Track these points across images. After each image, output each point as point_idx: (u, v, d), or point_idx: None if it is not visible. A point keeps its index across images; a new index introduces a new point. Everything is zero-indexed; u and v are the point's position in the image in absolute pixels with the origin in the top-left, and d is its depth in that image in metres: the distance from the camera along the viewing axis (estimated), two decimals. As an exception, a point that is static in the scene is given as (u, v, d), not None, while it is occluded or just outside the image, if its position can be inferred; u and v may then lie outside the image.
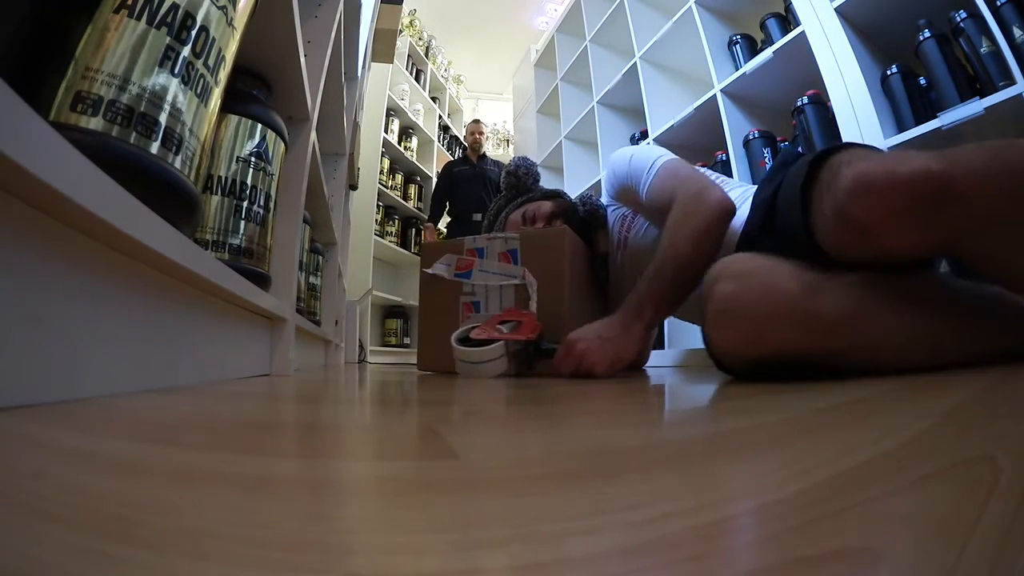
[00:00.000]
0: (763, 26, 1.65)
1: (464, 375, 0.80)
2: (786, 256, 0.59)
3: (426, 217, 3.17)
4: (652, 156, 0.85)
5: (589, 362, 0.69)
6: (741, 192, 0.83)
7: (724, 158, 1.69)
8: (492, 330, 0.81)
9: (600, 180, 2.35)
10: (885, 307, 0.49)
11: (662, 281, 0.70)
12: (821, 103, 1.42)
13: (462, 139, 3.80)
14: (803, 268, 0.53)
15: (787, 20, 1.58)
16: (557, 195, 1.07)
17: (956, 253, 0.49)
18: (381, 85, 3.10)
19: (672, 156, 0.85)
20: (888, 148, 1.15)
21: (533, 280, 0.90)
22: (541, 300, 0.89)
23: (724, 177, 0.93)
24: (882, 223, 0.46)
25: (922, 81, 1.22)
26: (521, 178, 1.06)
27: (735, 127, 1.65)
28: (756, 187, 0.80)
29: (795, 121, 1.49)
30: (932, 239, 0.46)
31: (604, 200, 1.04)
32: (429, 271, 1.01)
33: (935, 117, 1.12)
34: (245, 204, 0.63)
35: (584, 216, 1.01)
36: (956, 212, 0.43)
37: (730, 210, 0.74)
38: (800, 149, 1.48)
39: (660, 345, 1.63)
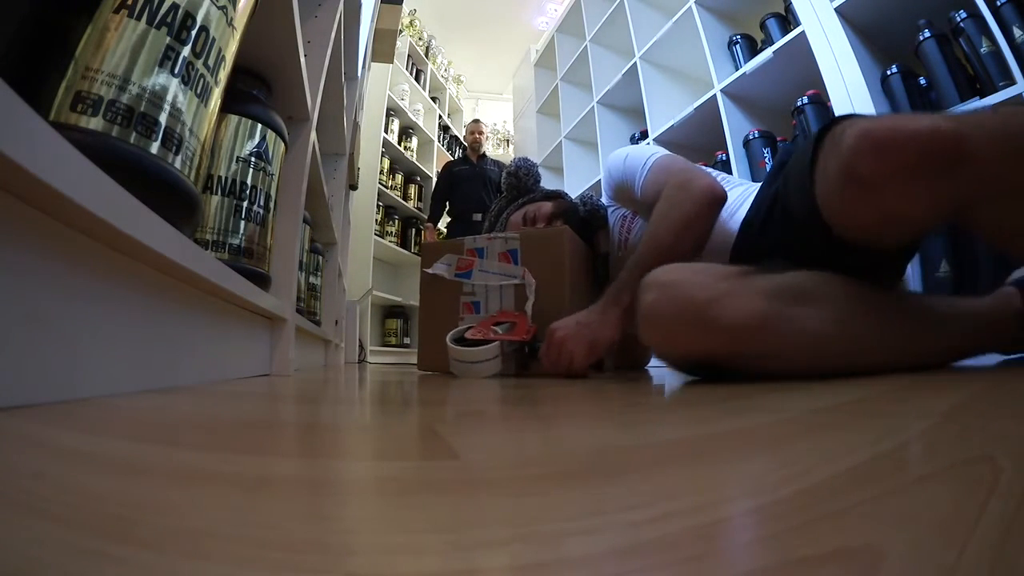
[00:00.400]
0: (763, 26, 1.65)
1: (459, 375, 0.80)
2: (788, 247, 0.60)
3: (426, 217, 3.17)
4: (646, 154, 0.85)
5: (568, 349, 0.70)
6: (743, 191, 0.83)
7: (724, 158, 1.69)
8: (487, 331, 0.81)
9: (600, 180, 2.36)
10: (792, 314, 0.50)
11: (641, 268, 0.68)
12: (821, 103, 1.42)
13: (462, 139, 3.80)
14: (723, 276, 0.54)
15: (787, 20, 1.58)
16: (558, 195, 1.06)
17: (964, 222, 0.48)
18: (381, 85, 3.10)
19: (666, 152, 0.85)
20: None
21: (532, 280, 0.90)
22: (541, 300, 0.89)
23: (724, 174, 0.93)
24: (888, 178, 0.45)
25: (922, 81, 1.23)
26: (522, 179, 1.06)
27: (735, 127, 1.65)
28: (759, 185, 0.80)
29: (795, 121, 1.49)
30: (939, 201, 0.45)
31: (604, 201, 1.04)
32: (429, 271, 1.01)
33: (935, 117, 1.12)
34: (245, 204, 0.63)
35: (585, 216, 1.01)
36: (965, 174, 0.42)
37: (719, 198, 0.73)
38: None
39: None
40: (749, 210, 0.76)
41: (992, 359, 0.60)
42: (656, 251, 0.70)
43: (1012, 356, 0.58)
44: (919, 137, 0.43)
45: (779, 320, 0.50)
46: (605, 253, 1.02)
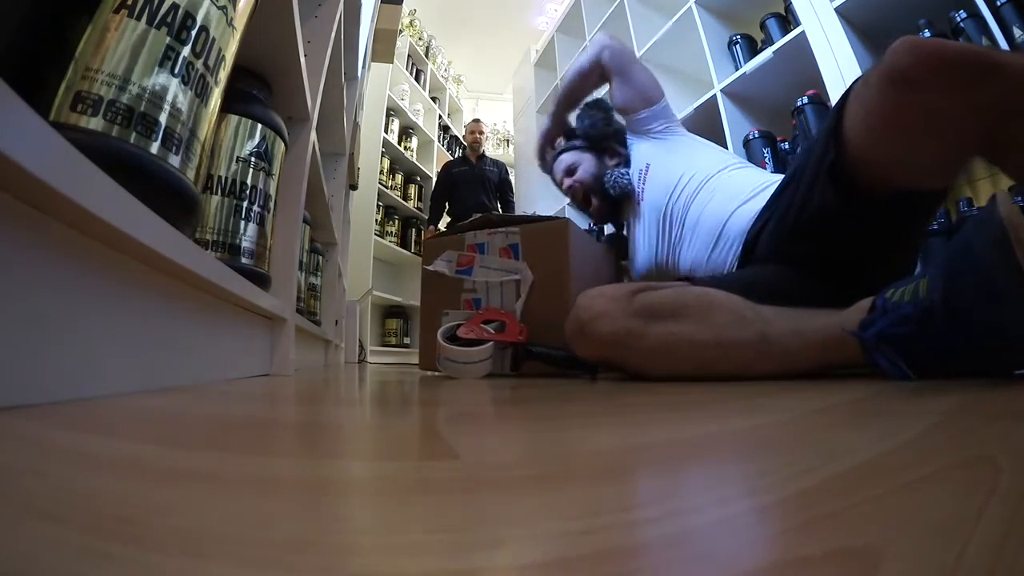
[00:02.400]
0: (763, 26, 1.65)
1: (451, 374, 0.80)
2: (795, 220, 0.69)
3: (426, 217, 3.17)
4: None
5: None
6: (760, 182, 0.87)
7: (724, 158, 1.69)
8: (479, 329, 0.81)
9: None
10: (646, 331, 0.62)
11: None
12: (821, 103, 1.42)
13: (462, 139, 3.80)
14: (612, 299, 0.66)
15: (787, 20, 1.58)
16: (603, 147, 1.15)
17: (992, 153, 0.52)
18: (381, 85, 3.10)
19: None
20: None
21: (529, 276, 0.90)
22: (545, 294, 0.89)
23: (746, 162, 1.00)
24: (930, 74, 0.48)
25: (922, 81, 1.22)
26: (587, 129, 1.16)
27: (735, 127, 1.65)
28: (776, 181, 0.82)
29: (795, 121, 1.49)
30: (974, 109, 0.48)
31: (629, 136, 1.12)
32: (430, 268, 1.01)
33: (935, 117, 1.12)
34: (245, 204, 0.63)
35: (616, 197, 1.08)
36: (996, 84, 0.47)
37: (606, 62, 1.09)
38: (800, 150, 1.48)
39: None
40: (757, 218, 0.80)
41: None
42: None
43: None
44: (956, 46, 0.49)
45: (631, 336, 0.63)
46: (624, 236, 1.14)
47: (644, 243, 1.04)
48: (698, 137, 1.08)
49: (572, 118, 1.21)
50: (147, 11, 0.37)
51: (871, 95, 0.54)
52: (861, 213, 0.62)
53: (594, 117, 1.14)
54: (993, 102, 0.47)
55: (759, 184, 0.86)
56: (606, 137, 1.13)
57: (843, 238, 0.65)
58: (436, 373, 0.95)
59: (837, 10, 1.33)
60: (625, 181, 1.06)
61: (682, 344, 0.60)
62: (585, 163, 1.13)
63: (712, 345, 0.59)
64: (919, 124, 0.51)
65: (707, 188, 0.92)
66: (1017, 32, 1.02)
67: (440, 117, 4.05)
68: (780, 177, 0.85)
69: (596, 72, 1.12)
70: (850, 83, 0.61)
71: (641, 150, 1.07)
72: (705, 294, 0.63)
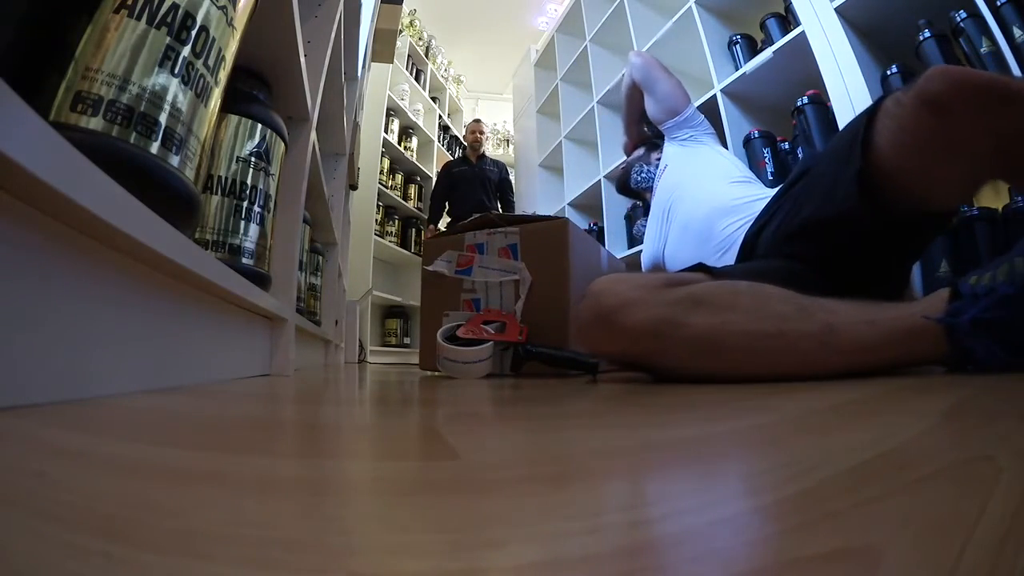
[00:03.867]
0: (763, 26, 1.65)
1: (450, 374, 0.80)
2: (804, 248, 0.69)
3: (426, 218, 3.17)
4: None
5: None
6: (746, 197, 0.93)
7: (724, 158, 1.69)
8: (479, 330, 0.81)
9: (601, 179, 2.36)
10: (684, 320, 0.54)
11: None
12: (821, 103, 1.42)
13: (462, 139, 3.80)
14: (640, 287, 0.59)
15: (787, 20, 1.58)
16: (653, 143, 1.31)
17: (1011, 176, 0.57)
18: (381, 85, 3.10)
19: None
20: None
21: (528, 276, 0.90)
22: (544, 294, 0.89)
23: (757, 181, 1.08)
24: (959, 101, 0.53)
25: (922, 81, 1.22)
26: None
27: (735, 127, 1.65)
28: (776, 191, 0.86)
29: (795, 121, 1.49)
30: (996, 129, 0.53)
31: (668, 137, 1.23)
32: (430, 268, 1.01)
33: (935, 117, 1.12)
34: (245, 204, 0.63)
35: (635, 188, 1.30)
36: (1013, 111, 0.52)
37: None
38: (800, 150, 1.48)
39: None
40: (759, 217, 0.82)
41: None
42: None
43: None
44: (983, 75, 0.55)
45: (671, 325, 0.55)
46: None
47: (648, 238, 1.17)
48: (720, 148, 1.19)
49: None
50: (147, 11, 0.37)
51: (904, 114, 0.58)
52: (878, 223, 0.62)
53: (644, 174, 1.31)
54: (1014, 127, 0.52)
55: (744, 198, 0.95)
56: (654, 135, 1.32)
57: (853, 244, 0.65)
58: (436, 373, 0.95)
59: (837, 10, 1.33)
60: (641, 177, 1.25)
61: (735, 335, 0.53)
62: (634, 155, 1.33)
63: (772, 335, 0.52)
64: (947, 145, 0.55)
65: (701, 195, 1.02)
66: (1017, 32, 1.02)
67: (440, 117, 4.05)
68: (769, 192, 0.92)
69: (634, 89, 1.27)
70: (877, 98, 0.63)
71: (668, 152, 1.21)
72: (758, 284, 0.57)
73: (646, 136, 1.35)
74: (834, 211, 0.65)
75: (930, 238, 0.71)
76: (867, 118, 0.62)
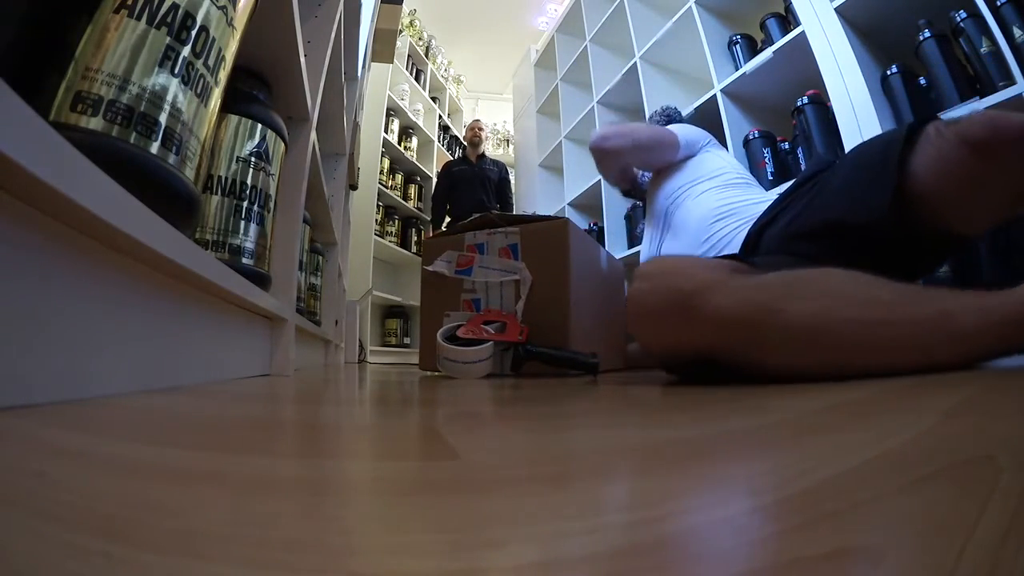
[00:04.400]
0: (763, 26, 1.65)
1: (450, 374, 0.80)
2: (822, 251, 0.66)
3: (428, 218, 3.17)
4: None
5: None
6: (754, 198, 0.94)
7: (724, 158, 1.69)
8: (479, 330, 0.81)
9: (601, 180, 2.36)
10: (779, 306, 0.48)
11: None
12: (821, 103, 1.42)
13: (462, 139, 3.80)
14: (713, 268, 0.53)
15: (787, 20, 1.58)
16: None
17: None
18: (381, 85, 3.10)
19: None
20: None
21: (528, 276, 0.90)
22: (544, 294, 0.89)
23: (755, 184, 1.09)
24: (1000, 146, 0.54)
25: (922, 81, 1.22)
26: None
27: (735, 127, 1.65)
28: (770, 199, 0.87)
29: (795, 121, 1.49)
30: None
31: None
32: (430, 269, 1.00)
33: (935, 117, 1.12)
34: (245, 204, 0.63)
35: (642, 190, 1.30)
36: None
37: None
38: (801, 151, 1.48)
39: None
40: (763, 214, 0.82)
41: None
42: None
43: None
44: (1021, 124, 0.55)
45: (767, 312, 0.48)
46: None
47: (646, 239, 1.19)
48: (720, 151, 1.19)
49: None
50: (147, 11, 0.37)
51: (946, 147, 0.59)
52: (901, 236, 0.62)
53: (659, 119, 1.35)
54: None
55: (742, 201, 0.97)
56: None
57: (869, 252, 0.64)
58: (436, 373, 0.95)
59: (837, 10, 1.33)
60: (641, 181, 1.25)
61: (842, 322, 0.47)
62: None
63: (885, 323, 0.47)
64: (984, 181, 0.57)
65: (698, 198, 1.04)
66: (1017, 32, 1.02)
67: (440, 117, 4.05)
68: (767, 195, 0.95)
69: (620, 158, 1.16)
70: (915, 122, 0.64)
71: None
72: (847, 271, 0.52)
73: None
74: (861, 219, 0.64)
75: (947, 257, 0.72)
76: (905, 137, 0.62)
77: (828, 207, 0.69)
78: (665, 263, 0.55)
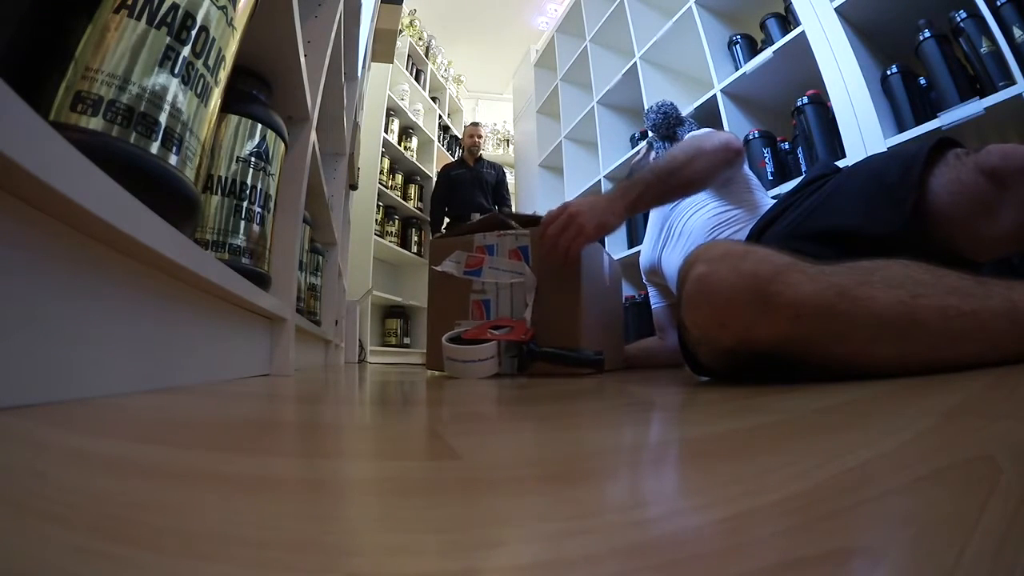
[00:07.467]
0: (763, 26, 1.65)
1: (455, 374, 0.80)
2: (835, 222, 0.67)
3: (428, 219, 3.18)
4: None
5: (578, 222, 0.82)
6: (758, 202, 0.95)
7: (724, 158, 1.69)
8: (485, 333, 0.81)
9: (601, 179, 2.36)
10: (860, 293, 0.46)
11: (654, 173, 0.87)
12: (821, 103, 1.42)
13: (460, 142, 3.80)
14: (782, 253, 0.50)
15: (787, 20, 1.58)
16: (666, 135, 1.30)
17: None
18: (381, 85, 3.10)
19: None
20: (888, 148, 1.16)
21: (533, 279, 0.90)
22: (555, 299, 0.89)
23: (761, 189, 1.07)
24: (1014, 177, 0.56)
25: (922, 81, 1.22)
26: (659, 127, 1.31)
27: (735, 127, 1.65)
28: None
29: (795, 121, 1.49)
30: None
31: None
32: (438, 269, 1.00)
33: (935, 117, 1.12)
34: (245, 204, 0.63)
35: None
36: None
37: (736, 147, 0.92)
38: (801, 151, 1.48)
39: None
40: (765, 213, 0.82)
41: None
42: (670, 162, 0.87)
43: None
44: None
45: (847, 299, 0.45)
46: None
47: (647, 240, 1.19)
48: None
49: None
50: (147, 11, 0.37)
51: (965, 172, 0.61)
52: (908, 252, 0.61)
53: (656, 117, 1.33)
54: None
55: (745, 204, 0.97)
56: (667, 127, 1.32)
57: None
58: (441, 373, 0.95)
59: (837, 10, 1.33)
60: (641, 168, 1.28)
61: (929, 310, 0.44)
62: (636, 157, 1.36)
63: (965, 313, 0.44)
64: (998, 209, 0.58)
65: (703, 204, 1.03)
66: (1017, 32, 1.02)
67: (440, 117, 4.05)
68: (771, 201, 0.94)
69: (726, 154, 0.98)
70: (933, 143, 0.64)
71: None
72: (904, 261, 0.50)
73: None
74: (876, 230, 0.64)
75: None
76: (926, 156, 0.63)
77: (841, 212, 0.69)
78: (731, 246, 0.51)
